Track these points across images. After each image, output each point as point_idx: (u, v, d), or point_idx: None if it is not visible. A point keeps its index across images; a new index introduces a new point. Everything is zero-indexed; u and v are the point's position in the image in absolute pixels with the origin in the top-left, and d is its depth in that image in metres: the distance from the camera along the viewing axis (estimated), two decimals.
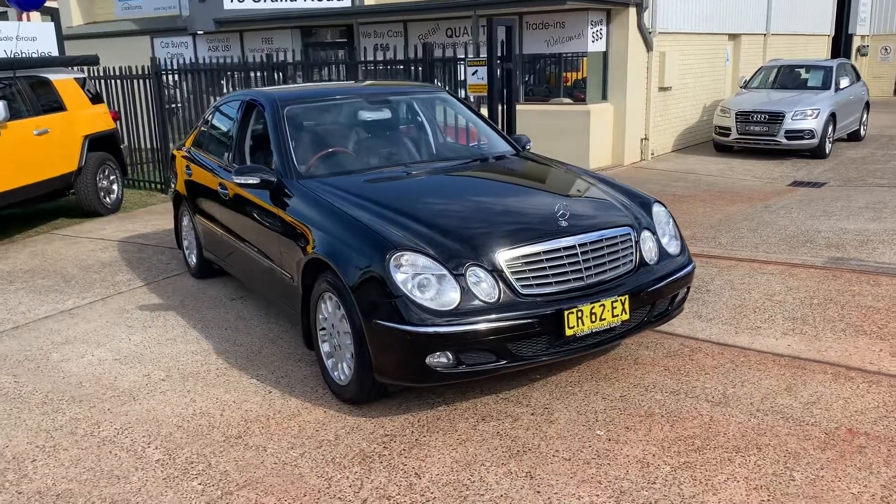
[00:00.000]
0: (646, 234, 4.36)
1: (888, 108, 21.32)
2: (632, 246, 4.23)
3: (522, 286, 3.85)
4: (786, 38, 19.00)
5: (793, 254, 7.00)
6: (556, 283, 3.92)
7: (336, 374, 4.29)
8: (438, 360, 3.76)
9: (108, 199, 9.83)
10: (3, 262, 7.68)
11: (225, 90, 10.75)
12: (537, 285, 3.88)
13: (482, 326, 3.70)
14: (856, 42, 24.12)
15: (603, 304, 3.92)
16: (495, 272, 3.84)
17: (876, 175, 11.35)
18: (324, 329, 4.39)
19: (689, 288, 4.52)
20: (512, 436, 3.83)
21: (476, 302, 3.76)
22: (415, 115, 5.85)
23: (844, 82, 14.45)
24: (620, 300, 3.98)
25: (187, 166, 6.44)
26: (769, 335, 5.01)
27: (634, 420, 3.93)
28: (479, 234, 3.98)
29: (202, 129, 6.57)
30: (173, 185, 6.99)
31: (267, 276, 5.10)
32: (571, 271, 3.96)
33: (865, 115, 15.61)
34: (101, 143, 9.76)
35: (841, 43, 22.78)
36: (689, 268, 4.44)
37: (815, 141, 13.00)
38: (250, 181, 4.80)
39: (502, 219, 4.18)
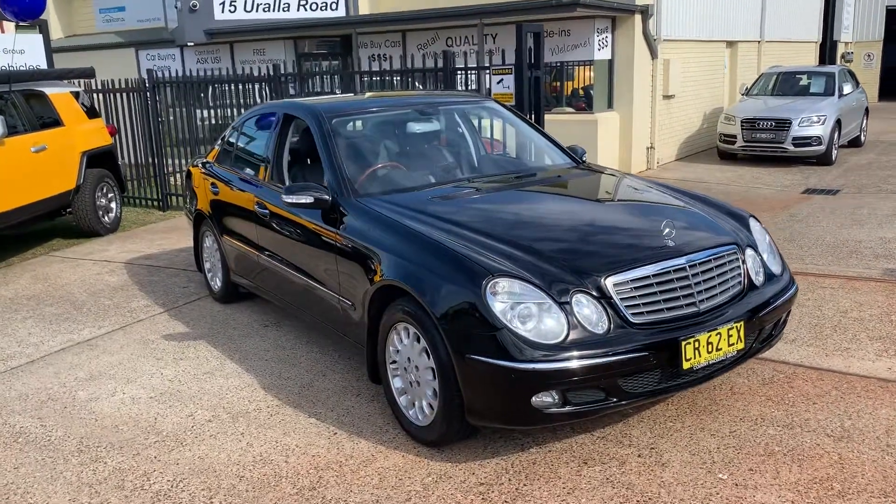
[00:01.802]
0: (749, 252, 3.99)
1: (875, 113, 21.32)
2: (739, 266, 3.86)
3: (633, 314, 3.45)
4: (778, 45, 18.93)
5: (844, 265, 6.70)
6: (667, 309, 3.53)
7: (412, 412, 3.87)
8: (543, 399, 3.35)
9: (106, 217, 9.29)
10: (3, 287, 7.13)
11: (230, 102, 10.28)
12: (648, 313, 3.48)
13: (595, 361, 3.29)
14: (840, 49, 24.17)
15: (719, 333, 3.54)
16: (603, 299, 3.43)
17: (888, 181, 11.16)
18: (395, 363, 3.96)
19: (789, 311, 4.15)
20: (624, 483, 3.43)
21: (584, 333, 3.35)
22: (466, 126, 5.43)
23: (847, 88, 14.33)
24: (736, 327, 3.60)
25: (213, 184, 5.96)
26: (862, 357, 4.67)
27: (755, 460, 3.55)
28: (580, 257, 3.58)
29: (227, 145, 6.10)
30: (193, 204, 6.50)
31: (318, 304, 4.66)
32: (683, 296, 3.57)
33: (865, 121, 15.51)
34: (98, 160, 9.23)
35: (826, 49, 22.79)
36: (793, 288, 4.08)
37: (823, 148, 12.82)
38: (302, 200, 4.35)
39: (602, 239, 3.78)
